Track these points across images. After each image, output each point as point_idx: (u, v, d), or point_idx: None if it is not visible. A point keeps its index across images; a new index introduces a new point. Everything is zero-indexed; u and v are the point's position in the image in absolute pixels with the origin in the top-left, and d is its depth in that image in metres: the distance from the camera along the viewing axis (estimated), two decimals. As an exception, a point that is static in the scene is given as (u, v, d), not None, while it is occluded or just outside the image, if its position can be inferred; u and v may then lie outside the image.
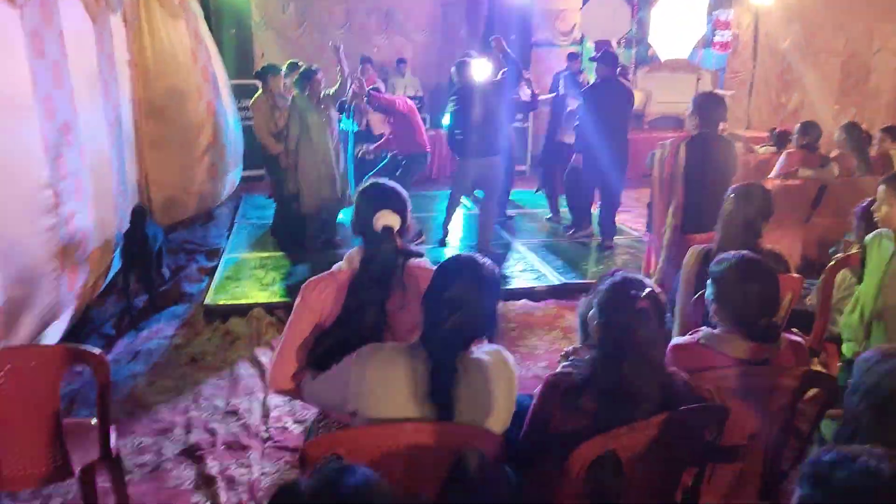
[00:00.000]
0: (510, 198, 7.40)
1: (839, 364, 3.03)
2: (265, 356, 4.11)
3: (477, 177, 5.88)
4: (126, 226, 4.78)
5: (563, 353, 2.36)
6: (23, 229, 3.42)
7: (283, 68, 6.44)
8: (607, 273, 1.92)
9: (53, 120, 3.78)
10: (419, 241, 6.07)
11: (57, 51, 3.90)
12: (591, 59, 6.45)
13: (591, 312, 1.89)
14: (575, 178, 6.45)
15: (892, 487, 0.93)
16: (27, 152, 3.51)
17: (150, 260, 4.96)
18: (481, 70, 5.97)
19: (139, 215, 4.81)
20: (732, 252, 2.20)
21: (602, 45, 7.76)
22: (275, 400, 3.62)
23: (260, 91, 6.28)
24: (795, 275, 2.96)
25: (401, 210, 2.09)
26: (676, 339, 2.22)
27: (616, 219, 6.57)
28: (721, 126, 4.28)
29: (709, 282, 2.21)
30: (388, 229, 2.02)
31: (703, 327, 2.21)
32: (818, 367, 3.03)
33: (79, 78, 4.20)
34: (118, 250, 4.84)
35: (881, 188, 2.93)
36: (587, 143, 6.09)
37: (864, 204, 3.35)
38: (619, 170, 6.19)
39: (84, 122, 4.25)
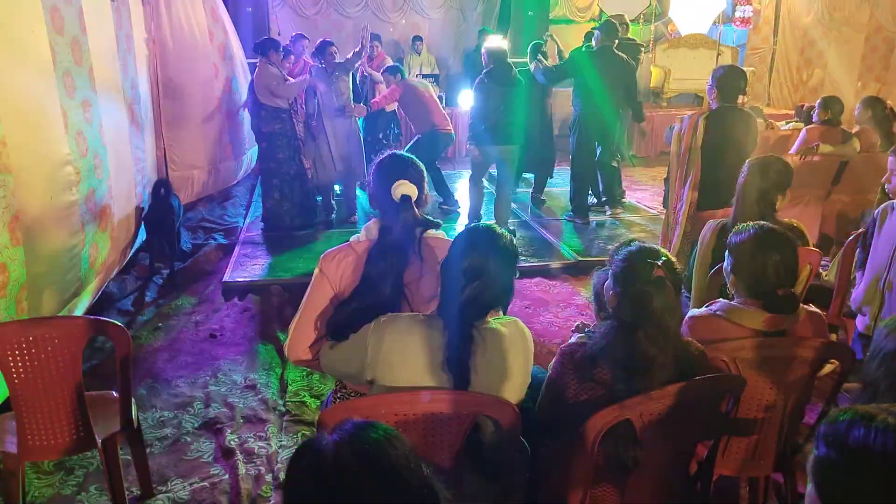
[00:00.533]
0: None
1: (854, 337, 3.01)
2: (283, 332, 4.15)
3: (495, 162, 5.83)
4: (146, 202, 4.85)
5: (575, 325, 2.36)
6: (44, 205, 3.47)
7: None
8: (622, 244, 1.91)
9: (73, 97, 3.81)
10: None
11: (76, 27, 3.92)
12: (589, 32, 6.42)
13: (606, 282, 1.89)
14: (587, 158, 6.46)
15: None
16: (48, 129, 3.54)
17: (174, 230, 5.13)
18: (498, 46, 5.89)
19: (164, 186, 5.12)
20: (751, 223, 2.18)
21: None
22: (292, 374, 3.66)
23: (260, 63, 6.12)
24: (814, 248, 2.93)
25: (418, 180, 2.09)
26: (693, 311, 2.22)
27: (623, 193, 6.70)
28: (741, 100, 4.22)
29: (727, 253, 2.19)
30: (406, 198, 2.03)
31: (721, 299, 2.20)
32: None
33: (98, 55, 4.23)
34: (141, 224, 4.92)
35: (891, 159, 2.89)
36: (583, 112, 6.09)
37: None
38: (617, 135, 6.26)
39: (103, 99, 4.28)
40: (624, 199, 6.84)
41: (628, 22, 6.92)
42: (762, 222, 2.18)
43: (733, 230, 2.20)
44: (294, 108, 5.88)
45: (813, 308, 2.17)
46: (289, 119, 5.85)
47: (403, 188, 2.03)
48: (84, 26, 4.03)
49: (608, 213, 6.55)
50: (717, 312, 2.12)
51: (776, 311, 2.04)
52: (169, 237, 5.09)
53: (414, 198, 2.05)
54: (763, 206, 2.78)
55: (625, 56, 6.07)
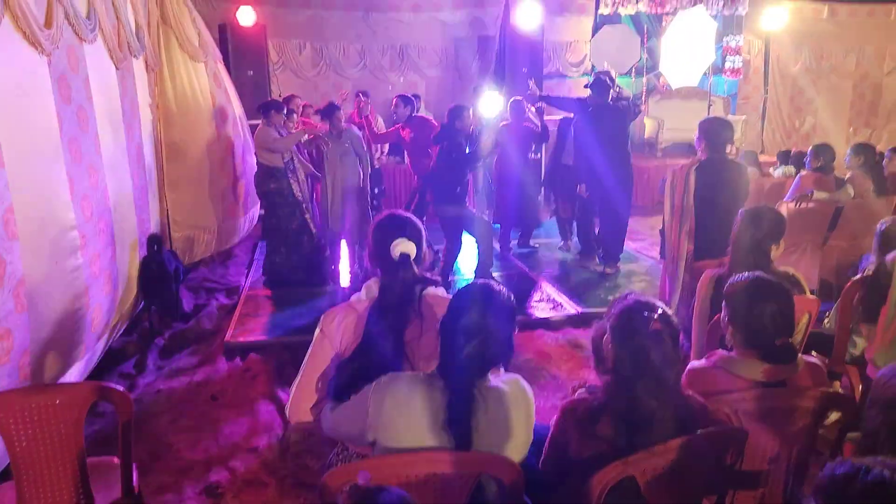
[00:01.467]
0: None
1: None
2: (284, 392, 4.13)
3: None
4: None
5: (573, 387, 2.35)
6: (49, 270, 3.51)
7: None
8: (619, 297, 1.94)
9: (79, 163, 3.89)
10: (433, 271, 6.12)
11: (83, 96, 4.04)
12: (585, 87, 6.54)
13: (604, 336, 1.90)
14: (582, 208, 6.50)
15: None
16: (55, 195, 3.61)
17: (168, 287, 5.16)
18: (492, 104, 6.06)
19: (154, 242, 5.18)
20: (746, 273, 2.21)
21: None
22: (294, 437, 3.63)
23: (261, 124, 6.12)
24: (811, 297, 2.94)
25: (416, 238, 2.13)
26: (692, 363, 2.22)
27: (623, 245, 6.60)
28: (729, 148, 4.29)
29: (723, 304, 2.21)
30: (405, 256, 2.06)
31: (719, 351, 2.20)
32: (839, 390, 3.00)
33: (103, 121, 4.33)
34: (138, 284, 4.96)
35: None
36: (584, 169, 6.17)
37: (884, 224, 3.34)
38: (621, 193, 6.18)
39: (108, 164, 4.37)
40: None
41: (614, 77, 7.08)
42: (757, 273, 2.20)
43: (729, 281, 2.23)
44: (291, 166, 5.96)
45: (812, 358, 2.17)
46: (284, 177, 5.91)
47: (402, 246, 2.06)
48: (90, 94, 4.15)
49: (604, 269, 6.42)
50: (716, 364, 2.12)
51: (774, 361, 2.04)
52: (163, 297, 5.14)
53: (412, 256, 2.08)
54: (758, 255, 2.81)
55: (625, 103, 6.18)
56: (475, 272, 5.94)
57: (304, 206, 6.07)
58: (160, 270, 5.10)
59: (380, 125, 8.26)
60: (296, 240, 6.04)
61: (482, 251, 5.80)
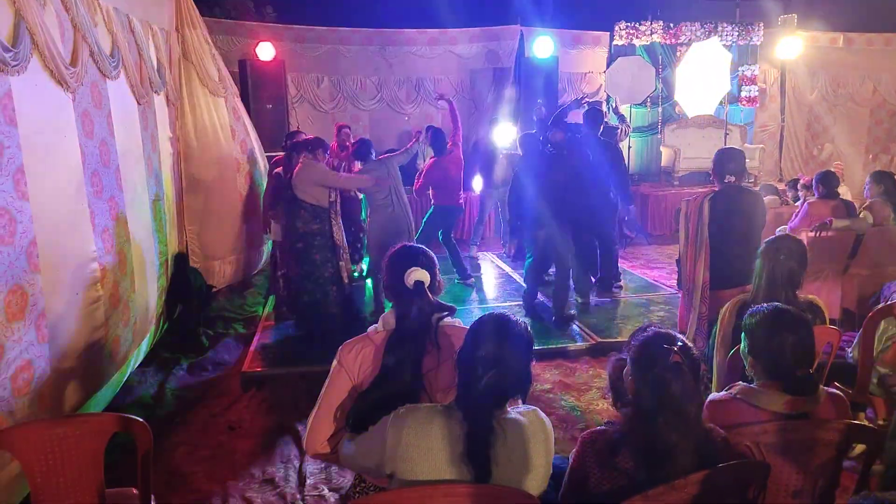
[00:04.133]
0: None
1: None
2: (301, 423, 4.12)
3: None
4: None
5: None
6: (71, 303, 3.55)
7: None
8: (639, 329, 1.93)
9: (100, 196, 3.96)
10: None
11: (105, 131, 4.13)
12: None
13: (625, 370, 1.89)
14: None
15: None
16: (76, 227, 3.67)
17: (193, 299, 5.58)
18: (504, 134, 6.13)
19: (181, 260, 5.76)
20: (765, 304, 2.19)
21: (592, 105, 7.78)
22: (311, 467, 3.62)
23: (305, 159, 5.43)
24: (832, 327, 2.91)
25: (429, 267, 2.15)
26: (712, 395, 2.20)
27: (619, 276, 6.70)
28: (743, 178, 4.29)
29: (742, 335, 2.19)
30: (419, 284, 2.08)
31: (740, 382, 2.18)
32: (864, 422, 2.94)
33: (124, 156, 4.42)
34: (161, 317, 5.03)
35: None
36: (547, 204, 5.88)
37: None
38: (607, 219, 6.27)
39: (129, 197, 4.44)
40: (620, 282, 6.70)
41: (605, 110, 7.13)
42: (776, 303, 2.18)
43: (748, 312, 2.21)
44: (335, 207, 5.44)
45: (834, 389, 2.14)
46: (328, 219, 5.38)
47: (416, 274, 2.09)
48: (112, 129, 4.24)
49: (594, 294, 6.41)
50: (737, 396, 2.10)
51: (796, 393, 2.02)
52: (189, 307, 5.57)
53: (427, 283, 2.09)
54: (790, 286, 2.81)
55: (609, 141, 6.28)
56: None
57: (340, 251, 5.49)
58: (186, 282, 5.54)
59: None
60: (324, 290, 5.45)
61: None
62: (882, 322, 3.18)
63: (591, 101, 6.74)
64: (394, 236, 5.48)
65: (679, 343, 1.80)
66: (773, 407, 2.03)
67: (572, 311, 5.91)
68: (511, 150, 7.22)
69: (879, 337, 3.17)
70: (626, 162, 6.61)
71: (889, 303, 3.28)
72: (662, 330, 1.86)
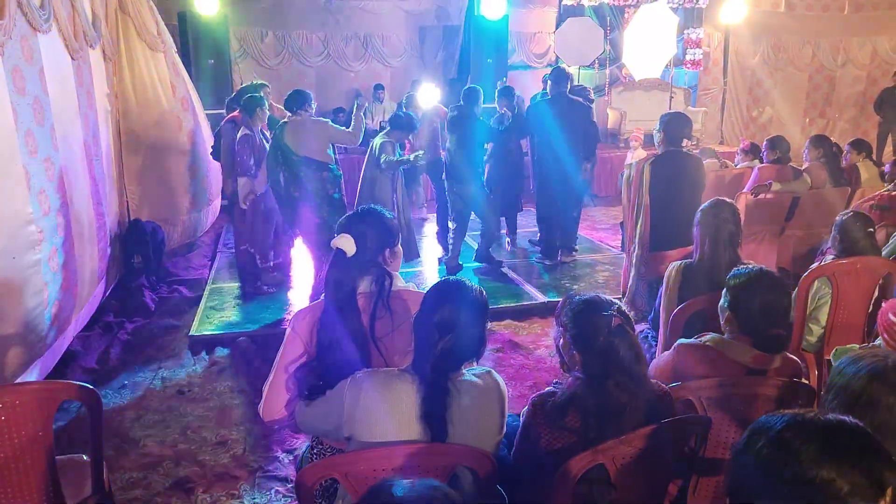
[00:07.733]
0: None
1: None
2: (251, 385, 4.11)
3: None
4: (107, 257, 4.83)
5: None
6: (7, 266, 3.42)
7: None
8: (564, 303, 1.96)
9: (35, 156, 3.79)
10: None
11: (38, 87, 3.93)
12: (545, 78, 6.58)
13: (560, 342, 1.94)
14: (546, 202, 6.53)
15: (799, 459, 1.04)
16: (11, 189, 3.51)
17: (148, 247, 5.81)
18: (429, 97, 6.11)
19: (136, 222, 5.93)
20: (751, 265, 2.33)
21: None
22: (263, 429, 3.62)
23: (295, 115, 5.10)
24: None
25: (358, 234, 2.09)
26: (682, 340, 2.32)
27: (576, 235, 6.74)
28: (686, 143, 4.38)
29: (724, 291, 2.31)
30: (339, 252, 2.07)
31: (709, 333, 2.30)
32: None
33: (59, 113, 4.22)
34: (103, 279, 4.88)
35: None
36: (540, 161, 6.25)
37: (842, 216, 3.47)
38: (577, 183, 6.29)
39: (65, 157, 4.26)
40: (576, 247, 6.71)
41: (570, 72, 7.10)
42: (762, 266, 2.30)
43: (733, 272, 2.31)
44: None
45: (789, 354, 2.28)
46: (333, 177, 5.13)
47: (337, 241, 2.07)
48: (45, 86, 4.04)
49: (560, 258, 6.47)
50: (708, 343, 2.23)
51: (764, 349, 2.16)
52: (146, 254, 5.77)
53: (350, 252, 2.07)
54: (733, 247, 2.93)
55: (580, 99, 6.24)
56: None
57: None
58: (142, 235, 5.76)
59: None
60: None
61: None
62: (815, 281, 3.34)
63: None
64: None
65: (615, 305, 1.87)
66: (740, 358, 2.17)
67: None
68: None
69: (812, 297, 3.32)
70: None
71: (822, 264, 3.43)
72: (590, 296, 1.91)
